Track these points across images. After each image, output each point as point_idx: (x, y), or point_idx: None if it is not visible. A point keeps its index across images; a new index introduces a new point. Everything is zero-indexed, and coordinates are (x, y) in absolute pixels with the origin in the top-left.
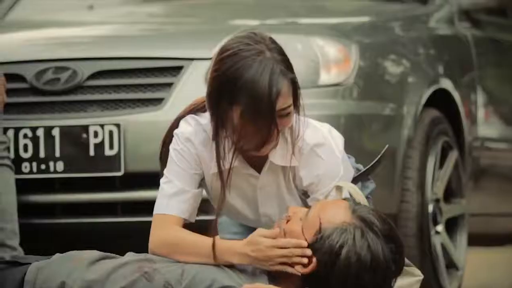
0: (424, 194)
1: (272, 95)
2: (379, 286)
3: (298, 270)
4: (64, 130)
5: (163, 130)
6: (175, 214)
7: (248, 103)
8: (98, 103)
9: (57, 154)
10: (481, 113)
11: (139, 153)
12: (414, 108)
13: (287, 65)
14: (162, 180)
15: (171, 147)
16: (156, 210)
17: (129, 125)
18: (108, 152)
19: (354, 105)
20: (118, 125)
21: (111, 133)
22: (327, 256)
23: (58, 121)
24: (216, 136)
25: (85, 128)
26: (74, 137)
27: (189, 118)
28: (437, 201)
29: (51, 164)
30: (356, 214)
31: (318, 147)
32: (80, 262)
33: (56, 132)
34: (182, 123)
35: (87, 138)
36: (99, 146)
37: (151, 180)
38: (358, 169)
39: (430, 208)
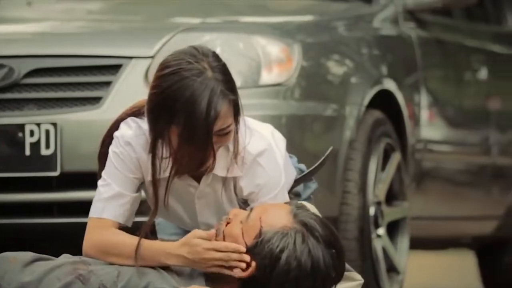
0: (366, 196)
1: (210, 118)
2: None
3: (236, 273)
4: None
5: (101, 129)
6: (111, 218)
7: (185, 124)
8: (35, 102)
9: None
10: (424, 114)
11: (76, 152)
12: (356, 109)
13: (229, 85)
14: (99, 182)
15: (110, 149)
16: (92, 213)
17: (66, 124)
18: (44, 151)
19: (296, 106)
20: (55, 124)
21: (47, 132)
22: (266, 260)
23: None
24: (153, 149)
25: (21, 127)
26: (10, 136)
27: (130, 121)
28: (378, 203)
29: None
30: (297, 219)
31: (260, 156)
32: (14, 263)
33: None
34: (122, 125)
35: (23, 137)
36: (35, 146)
37: (88, 180)
38: (300, 169)
39: (372, 211)
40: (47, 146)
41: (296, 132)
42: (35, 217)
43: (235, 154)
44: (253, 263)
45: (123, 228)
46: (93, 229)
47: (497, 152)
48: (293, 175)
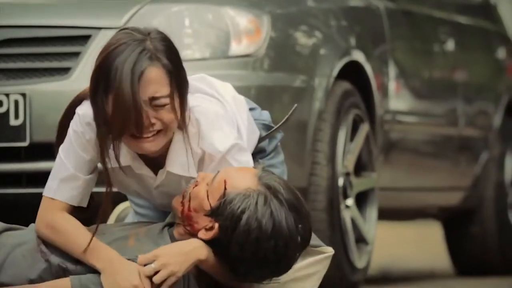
0: (335, 167)
1: (134, 78)
2: (281, 255)
3: (200, 235)
4: None
5: (70, 100)
6: (64, 200)
7: (115, 88)
8: (4, 72)
9: None
10: (392, 86)
11: (45, 123)
12: (325, 80)
13: (167, 55)
14: (57, 159)
15: (71, 126)
16: (46, 191)
17: (35, 95)
18: (13, 122)
19: (265, 77)
20: (23, 95)
21: (16, 102)
22: (228, 221)
23: None
24: (99, 132)
25: None
26: None
27: None
28: (347, 174)
29: None
30: (262, 181)
31: (229, 153)
32: None
33: None
34: (85, 103)
35: None
36: (4, 116)
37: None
38: (264, 124)
39: (341, 181)
40: (16, 117)
41: (265, 103)
42: (4, 187)
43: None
44: (216, 225)
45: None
46: (46, 208)
47: (464, 123)
48: (257, 134)
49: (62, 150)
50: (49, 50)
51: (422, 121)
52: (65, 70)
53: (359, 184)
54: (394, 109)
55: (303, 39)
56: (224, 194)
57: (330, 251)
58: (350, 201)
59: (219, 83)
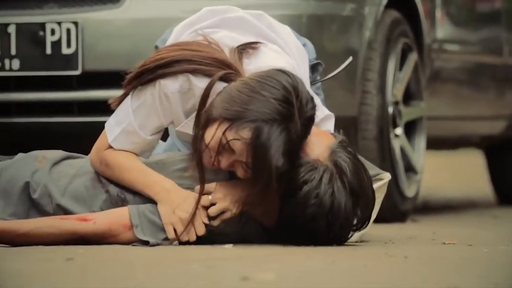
0: (384, 96)
1: (272, 169)
2: (332, 233)
3: None
4: (20, 27)
5: (122, 28)
6: (118, 148)
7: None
8: (56, 0)
9: (13, 52)
10: (438, 14)
11: (97, 51)
12: (374, 9)
13: (292, 150)
14: (126, 104)
15: (148, 89)
16: (107, 130)
17: (87, 23)
18: (65, 50)
19: (315, 5)
20: (76, 23)
21: (68, 31)
22: (288, 185)
23: (14, 17)
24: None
25: (42, 26)
26: (31, 35)
27: (182, 76)
28: (396, 103)
29: (7, 62)
30: (332, 157)
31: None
32: (43, 163)
33: (12, 29)
34: (171, 78)
35: (44, 36)
36: (56, 44)
37: (109, 79)
38: (315, 61)
39: (390, 110)
40: (68, 45)
41: (315, 32)
42: (56, 116)
43: None
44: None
45: None
46: (101, 144)
47: (508, 52)
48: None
49: (134, 100)
50: None
51: (467, 50)
52: None
53: (408, 113)
54: (440, 38)
55: None
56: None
57: (387, 177)
58: (399, 130)
59: (279, 25)
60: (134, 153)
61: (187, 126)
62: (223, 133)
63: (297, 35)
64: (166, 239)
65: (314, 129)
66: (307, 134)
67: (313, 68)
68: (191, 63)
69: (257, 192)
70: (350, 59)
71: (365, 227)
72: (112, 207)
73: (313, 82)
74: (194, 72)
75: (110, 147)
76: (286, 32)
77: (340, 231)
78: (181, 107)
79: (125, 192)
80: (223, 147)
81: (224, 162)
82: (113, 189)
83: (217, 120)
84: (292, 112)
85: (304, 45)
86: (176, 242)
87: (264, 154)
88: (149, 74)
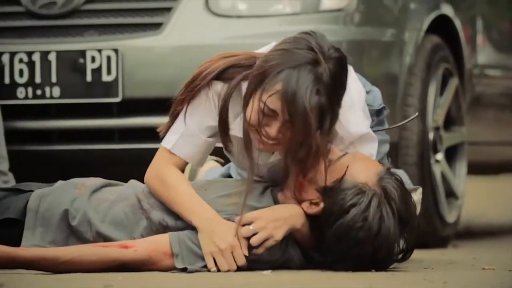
0: (425, 121)
1: (310, 109)
2: (377, 260)
3: (303, 207)
4: (60, 54)
5: (162, 55)
6: (181, 156)
7: (279, 103)
8: (96, 28)
9: (54, 79)
10: (479, 39)
11: (137, 79)
12: (415, 34)
13: (328, 89)
14: (180, 116)
15: (204, 89)
16: (165, 143)
17: (127, 50)
18: (105, 77)
19: (355, 31)
20: (116, 50)
21: (108, 58)
22: (335, 208)
23: (55, 45)
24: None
25: (82, 53)
26: (71, 62)
27: (234, 81)
28: (437, 129)
29: (47, 89)
30: (380, 183)
31: (360, 140)
32: (82, 190)
33: (52, 57)
34: (223, 82)
35: (84, 63)
36: (97, 72)
37: (149, 106)
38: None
39: (431, 136)
40: (109, 72)
41: (356, 58)
42: (96, 143)
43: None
44: (322, 204)
45: None
46: (161, 159)
47: None
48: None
49: (190, 107)
50: (141, 6)
51: (508, 75)
52: (157, 26)
53: (449, 138)
54: (481, 63)
55: None
56: (341, 179)
57: (419, 192)
58: (440, 156)
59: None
60: (193, 162)
61: (237, 129)
62: (259, 100)
63: (364, 82)
64: (205, 267)
65: (361, 155)
66: (340, 75)
67: (379, 112)
68: (239, 68)
69: (299, 142)
70: (416, 114)
71: (409, 256)
72: (152, 234)
73: (376, 129)
74: (244, 78)
75: (168, 161)
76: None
77: (386, 257)
78: (231, 111)
79: (167, 218)
80: (264, 113)
81: (272, 130)
82: (155, 216)
83: (251, 94)
84: (317, 57)
85: (368, 92)
86: (215, 269)
87: (295, 96)
88: (199, 82)
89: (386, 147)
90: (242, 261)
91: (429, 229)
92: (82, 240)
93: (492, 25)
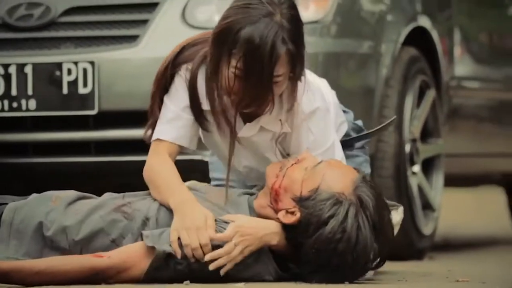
0: (402, 134)
1: (272, 61)
2: (354, 270)
3: (280, 216)
4: (37, 67)
5: (138, 67)
6: (169, 140)
7: (247, 62)
8: (72, 40)
9: (30, 92)
10: (457, 51)
11: (113, 91)
12: (392, 46)
13: (293, 35)
14: (162, 107)
15: (177, 72)
16: (154, 135)
17: (104, 63)
18: (82, 90)
19: (332, 43)
20: (92, 63)
21: (85, 70)
22: (313, 218)
23: (31, 58)
24: (210, 80)
25: (59, 66)
26: (47, 75)
27: (199, 57)
28: (414, 141)
29: (23, 102)
30: (356, 192)
31: (312, 115)
32: (57, 202)
33: (28, 69)
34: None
35: (61, 76)
36: (73, 84)
37: (125, 119)
38: (357, 125)
39: (407, 148)
40: (85, 85)
41: (332, 70)
42: (73, 156)
43: (290, 109)
44: (298, 213)
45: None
46: (152, 151)
47: None
48: (344, 128)
49: (167, 96)
50: (117, 18)
51: (486, 86)
52: (133, 38)
53: (426, 150)
54: (459, 75)
55: (369, 5)
56: (317, 189)
57: (401, 210)
58: (416, 168)
59: (313, 75)
60: (184, 143)
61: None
62: (230, 66)
63: (340, 105)
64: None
65: (336, 162)
66: (296, 16)
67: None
68: (195, 46)
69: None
70: (394, 118)
71: (382, 265)
72: (132, 233)
73: (351, 139)
74: (206, 56)
75: (159, 150)
76: (324, 83)
77: (364, 266)
78: (201, 87)
79: (148, 220)
80: (236, 76)
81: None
82: (138, 219)
83: (218, 61)
84: (270, 8)
85: (345, 112)
86: (187, 282)
87: (263, 51)
88: (164, 71)
89: (367, 169)
90: (205, 240)
91: (405, 242)
92: (58, 250)
93: (470, 37)
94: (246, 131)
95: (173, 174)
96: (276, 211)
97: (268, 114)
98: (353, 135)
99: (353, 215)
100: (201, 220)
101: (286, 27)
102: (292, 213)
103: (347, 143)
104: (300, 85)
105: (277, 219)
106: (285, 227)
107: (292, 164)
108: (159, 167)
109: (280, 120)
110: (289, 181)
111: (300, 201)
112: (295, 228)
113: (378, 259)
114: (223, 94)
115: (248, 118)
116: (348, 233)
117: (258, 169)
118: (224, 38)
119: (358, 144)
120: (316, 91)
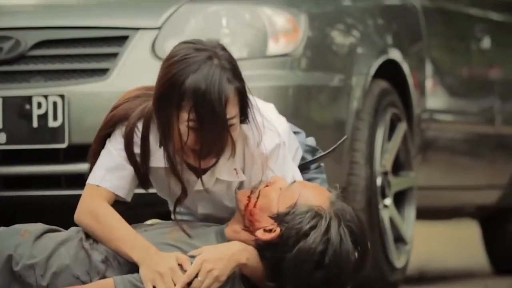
0: (373, 167)
1: (223, 102)
2: (336, 283)
3: (258, 234)
4: (6, 100)
5: (108, 101)
6: (109, 189)
7: (198, 110)
8: (42, 74)
9: (0, 125)
10: (429, 84)
11: (83, 124)
12: (362, 79)
13: (235, 74)
14: (103, 151)
15: (121, 124)
16: (91, 179)
17: (74, 96)
18: (52, 123)
19: (302, 76)
20: (62, 96)
21: (55, 104)
22: (293, 232)
23: (1, 91)
24: (164, 141)
25: (29, 99)
26: (17, 108)
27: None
28: (385, 174)
29: None
30: (334, 207)
31: (272, 153)
32: (26, 236)
33: None
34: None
35: (31, 109)
36: (43, 118)
37: None
38: (307, 145)
39: (379, 181)
40: (55, 118)
41: (303, 103)
42: (43, 189)
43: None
44: (278, 230)
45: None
46: (90, 196)
47: (501, 121)
48: (299, 154)
49: (109, 143)
50: (86, 51)
51: (459, 119)
52: (103, 71)
53: (397, 183)
54: (431, 108)
55: (340, 38)
56: (295, 204)
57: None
58: (388, 201)
59: (260, 102)
60: (124, 194)
61: (161, 159)
62: (182, 120)
63: (290, 125)
64: None
65: (310, 183)
66: (230, 56)
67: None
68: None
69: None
70: (345, 137)
71: (362, 274)
72: (96, 274)
73: (307, 163)
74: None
75: (98, 197)
76: (270, 109)
77: (347, 277)
78: (154, 138)
79: (109, 261)
80: (190, 129)
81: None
82: (97, 257)
83: (169, 119)
84: (206, 53)
85: (296, 133)
86: None
87: (211, 97)
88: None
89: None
90: (181, 283)
91: (377, 275)
92: (25, 285)
93: (443, 70)
94: (201, 184)
95: (126, 225)
96: (253, 231)
97: (223, 163)
98: (308, 157)
99: (336, 227)
100: (172, 262)
101: (227, 68)
102: (270, 230)
103: (304, 166)
104: (254, 127)
105: (254, 241)
106: (264, 246)
107: (265, 186)
108: (108, 214)
109: (235, 169)
110: (265, 200)
111: (279, 217)
112: (274, 245)
113: (358, 270)
114: (177, 153)
115: (203, 170)
116: (333, 245)
117: (217, 215)
118: (170, 95)
119: (313, 166)
120: (272, 128)
